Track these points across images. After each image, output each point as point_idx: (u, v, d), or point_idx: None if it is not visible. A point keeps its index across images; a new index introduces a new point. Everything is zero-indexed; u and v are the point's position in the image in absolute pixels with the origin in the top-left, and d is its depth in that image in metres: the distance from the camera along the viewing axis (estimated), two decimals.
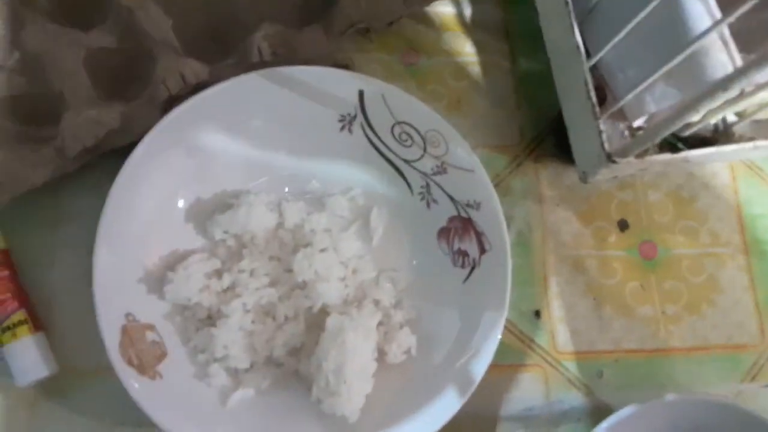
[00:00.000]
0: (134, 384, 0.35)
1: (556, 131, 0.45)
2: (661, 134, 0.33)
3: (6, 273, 0.38)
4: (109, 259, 0.36)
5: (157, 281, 0.38)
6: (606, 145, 0.35)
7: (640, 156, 0.35)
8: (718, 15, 0.30)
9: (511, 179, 0.45)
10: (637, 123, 0.38)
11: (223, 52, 0.40)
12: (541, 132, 0.47)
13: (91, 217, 0.39)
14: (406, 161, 0.42)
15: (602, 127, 0.36)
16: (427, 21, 0.48)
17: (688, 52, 0.29)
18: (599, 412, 0.42)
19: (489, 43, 0.48)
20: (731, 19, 0.27)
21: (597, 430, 0.37)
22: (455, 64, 0.47)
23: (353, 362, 0.36)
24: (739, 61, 0.30)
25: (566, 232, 0.45)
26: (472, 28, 0.48)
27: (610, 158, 0.35)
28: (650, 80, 0.33)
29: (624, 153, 0.35)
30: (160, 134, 0.38)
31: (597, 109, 0.36)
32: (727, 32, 0.30)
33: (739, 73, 0.26)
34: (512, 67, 0.48)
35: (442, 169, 0.41)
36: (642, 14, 0.33)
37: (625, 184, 0.46)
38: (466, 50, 0.48)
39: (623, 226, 0.46)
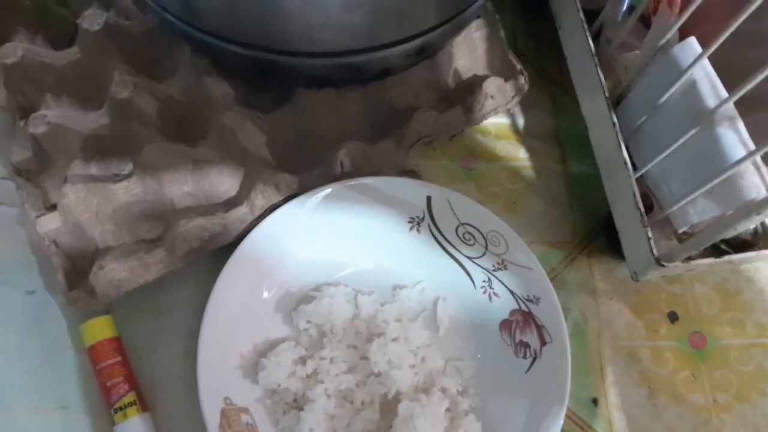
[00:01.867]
0: None
1: (607, 229, 0.49)
2: (703, 245, 0.37)
3: (119, 358, 0.43)
4: (211, 348, 0.41)
5: (251, 367, 0.43)
6: (654, 251, 0.39)
7: (686, 261, 0.39)
8: (750, 142, 0.35)
9: (566, 273, 0.49)
10: (682, 230, 0.42)
11: (309, 165, 0.46)
12: (593, 229, 0.51)
13: (189, 306, 0.45)
14: (469, 258, 0.47)
15: (650, 234, 0.40)
16: (485, 131, 0.53)
17: (723, 177, 0.34)
18: None
19: (541, 148, 0.53)
20: (761, 152, 0.31)
21: None
22: (510, 168, 0.52)
23: None
24: None
25: (619, 323, 0.48)
26: (525, 135, 0.54)
27: (658, 262, 0.39)
28: (691, 197, 0.38)
29: (671, 258, 0.39)
30: (257, 237, 0.44)
31: (645, 218, 0.40)
32: (759, 159, 0.34)
33: None
34: (563, 170, 0.53)
35: (502, 266, 0.46)
36: (681, 140, 0.37)
37: (673, 279, 0.50)
38: (520, 155, 0.53)
39: (673, 317, 0.49)
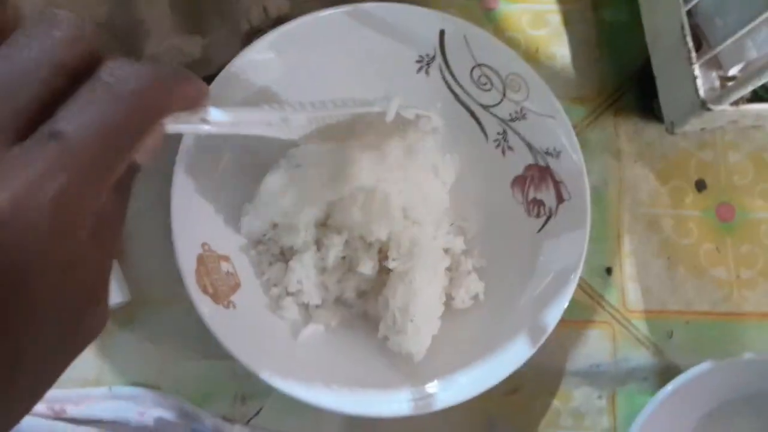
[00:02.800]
0: (208, 311, 0.35)
1: (638, 85, 0.44)
2: (762, 78, 0.32)
3: None
4: (187, 188, 0.36)
5: (234, 213, 0.38)
6: (699, 94, 0.34)
7: (734, 104, 0.34)
8: None
9: (589, 132, 0.44)
10: (732, 72, 0.36)
11: None
12: (622, 85, 0.45)
13: (166, 148, 0.39)
14: (483, 106, 0.41)
15: (697, 72, 0.34)
16: None
17: None
18: (667, 372, 0.41)
19: None
20: None
21: (675, 382, 0.36)
22: (535, 12, 0.46)
23: (420, 301, 0.36)
24: None
25: (643, 189, 0.44)
26: None
27: (704, 106, 0.34)
28: (751, 25, 0.32)
29: (719, 100, 0.34)
30: (242, 65, 0.38)
31: (693, 54, 0.34)
32: None
33: None
34: (595, 16, 0.46)
35: (521, 115, 0.40)
36: None
37: (704, 144, 0.45)
38: None
39: (701, 186, 0.44)
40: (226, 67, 0.37)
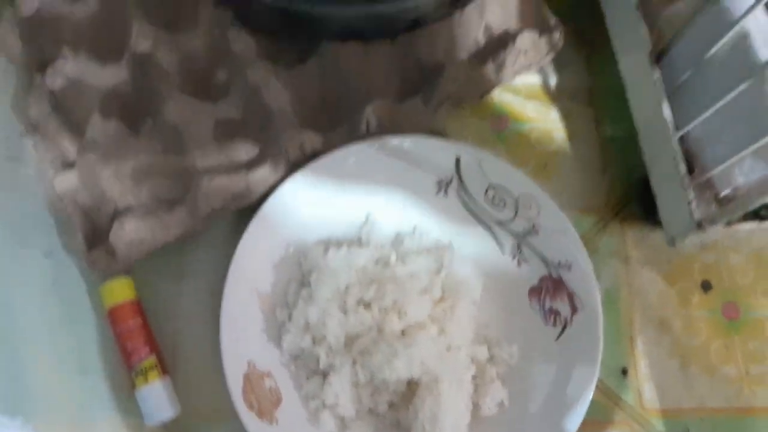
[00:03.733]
0: (255, 428, 0.38)
1: (641, 194, 0.47)
2: (750, 206, 0.35)
3: (139, 321, 0.42)
4: (234, 311, 0.40)
5: (275, 330, 0.42)
6: (695, 214, 0.38)
7: (727, 225, 0.37)
8: None
9: (598, 240, 0.48)
10: (724, 193, 0.40)
11: (334, 123, 0.44)
12: (626, 195, 0.49)
13: (211, 269, 0.44)
14: (498, 222, 0.45)
15: (691, 196, 0.38)
16: (515, 91, 0.51)
17: None
18: None
19: (574, 110, 0.51)
20: None
21: None
22: (542, 130, 0.50)
23: (447, 411, 0.39)
24: None
25: (651, 292, 0.47)
26: (557, 96, 0.51)
27: (699, 226, 0.37)
28: (739, 156, 0.36)
29: (712, 221, 0.37)
30: (280, 197, 0.42)
31: (686, 179, 0.38)
32: None
33: None
34: (597, 132, 0.51)
35: (533, 231, 0.44)
36: (731, 95, 0.35)
37: (707, 247, 0.48)
38: (552, 117, 0.51)
39: (706, 287, 0.47)
40: (268, 200, 0.42)
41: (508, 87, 0.51)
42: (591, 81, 0.52)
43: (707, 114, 0.37)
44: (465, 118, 0.50)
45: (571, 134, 0.51)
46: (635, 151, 0.46)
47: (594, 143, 0.50)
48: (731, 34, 0.34)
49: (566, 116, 0.51)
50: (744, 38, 0.34)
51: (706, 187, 0.40)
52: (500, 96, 0.51)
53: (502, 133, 0.50)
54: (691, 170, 0.40)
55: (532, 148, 0.50)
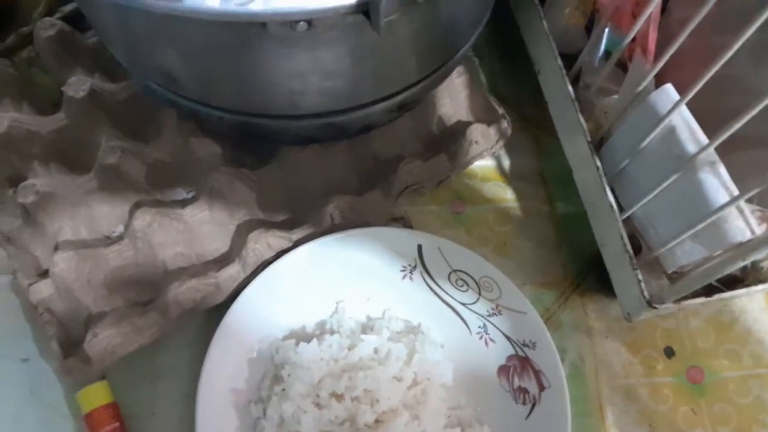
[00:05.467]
0: None
1: (597, 267, 0.49)
2: (692, 288, 0.38)
3: (116, 424, 0.43)
4: (209, 412, 0.41)
5: (251, 426, 0.42)
6: (645, 294, 0.40)
7: (677, 302, 0.39)
8: (732, 186, 0.35)
9: (560, 314, 0.49)
10: (672, 270, 0.42)
11: (300, 220, 0.46)
12: (583, 268, 0.51)
13: (185, 369, 0.45)
14: (463, 304, 0.47)
15: (640, 276, 0.40)
16: (471, 174, 0.54)
17: (707, 221, 0.34)
18: None
19: (528, 190, 0.54)
20: (745, 197, 0.32)
21: None
22: (499, 211, 0.53)
23: None
24: (755, 227, 0.35)
25: (616, 361, 0.48)
26: (511, 177, 0.54)
27: (650, 305, 0.39)
28: (677, 240, 0.38)
29: (662, 300, 0.39)
30: (250, 295, 0.44)
31: (634, 261, 0.40)
32: (742, 203, 0.35)
33: (754, 245, 0.30)
34: (550, 210, 0.53)
35: (497, 311, 0.46)
36: (663, 185, 0.38)
37: (667, 315, 0.50)
38: (508, 197, 0.53)
39: (669, 353, 0.49)
40: (238, 299, 0.43)
41: (465, 171, 0.54)
42: (541, 163, 0.55)
43: (644, 201, 0.40)
44: (425, 204, 0.52)
45: (527, 213, 0.53)
46: (588, 227, 0.48)
47: (548, 221, 0.53)
48: (659, 129, 0.37)
49: (521, 196, 0.54)
50: (671, 132, 0.37)
51: (655, 265, 0.42)
52: (457, 180, 0.54)
53: (460, 216, 0.52)
54: (638, 249, 0.43)
55: (491, 228, 0.52)
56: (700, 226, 0.35)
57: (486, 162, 0.54)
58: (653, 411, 0.47)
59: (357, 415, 0.42)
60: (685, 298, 0.39)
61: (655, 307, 0.39)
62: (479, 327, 0.47)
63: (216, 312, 0.44)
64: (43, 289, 0.44)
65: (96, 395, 0.43)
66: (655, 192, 0.38)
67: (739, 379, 0.49)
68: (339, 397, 0.42)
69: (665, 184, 0.37)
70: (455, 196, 0.53)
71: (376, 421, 0.42)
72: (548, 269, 0.51)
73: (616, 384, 0.48)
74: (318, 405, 0.42)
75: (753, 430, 0.47)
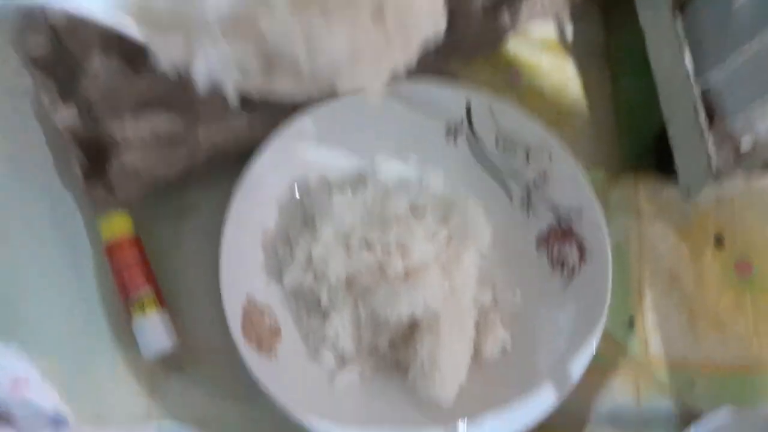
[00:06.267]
0: (254, 362, 0.37)
1: (656, 150, 0.46)
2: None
3: (138, 256, 0.42)
4: (235, 245, 0.40)
5: (276, 267, 0.41)
6: (713, 165, 0.37)
7: (746, 177, 0.36)
8: None
9: (610, 193, 0.47)
10: (744, 143, 0.39)
11: None
12: (640, 151, 0.48)
13: (213, 211, 0.43)
14: (508, 171, 0.44)
15: (710, 145, 0.37)
16: (531, 43, 0.50)
17: None
18: (690, 420, 0.42)
19: (590, 64, 0.50)
20: None
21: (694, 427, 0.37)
22: (556, 84, 0.49)
23: (446, 352, 0.38)
24: None
25: (663, 245, 0.46)
26: (573, 50, 0.50)
27: (717, 177, 0.37)
28: (762, 100, 0.35)
29: (730, 172, 0.36)
30: (281, 139, 0.41)
31: (706, 128, 0.37)
32: None
33: None
34: (613, 87, 0.49)
35: (544, 179, 0.43)
36: (755, 40, 0.34)
37: (722, 203, 0.47)
38: (567, 70, 0.50)
39: (719, 243, 0.46)
40: (273, 139, 0.41)
41: (524, 40, 0.50)
42: (607, 35, 0.51)
43: (731, 58, 0.36)
44: (478, 72, 0.49)
45: (587, 88, 0.49)
46: (651, 108, 0.45)
47: (609, 98, 0.49)
48: None
49: (582, 71, 0.50)
50: None
51: (726, 139, 0.39)
52: (515, 48, 0.50)
53: (515, 86, 0.49)
54: (711, 120, 0.39)
55: (546, 102, 0.49)
56: None
57: (547, 31, 0.50)
58: (695, 299, 0.45)
59: (387, 265, 0.40)
60: (755, 173, 0.36)
61: (721, 180, 0.36)
62: (522, 196, 0.44)
63: (250, 156, 0.42)
64: (68, 114, 0.42)
65: (118, 225, 0.42)
66: (744, 47, 0.34)
67: None
68: (370, 245, 0.41)
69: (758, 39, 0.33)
70: (511, 64, 0.49)
71: (406, 273, 0.41)
72: (602, 149, 0.48)
73: (660, 268, 0.46)
74: (348, 251, 0.40)
75: None
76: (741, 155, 0.38)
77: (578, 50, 0.50)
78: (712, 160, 0.36)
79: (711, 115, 0.39)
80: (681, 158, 0.41)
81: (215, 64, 0.32)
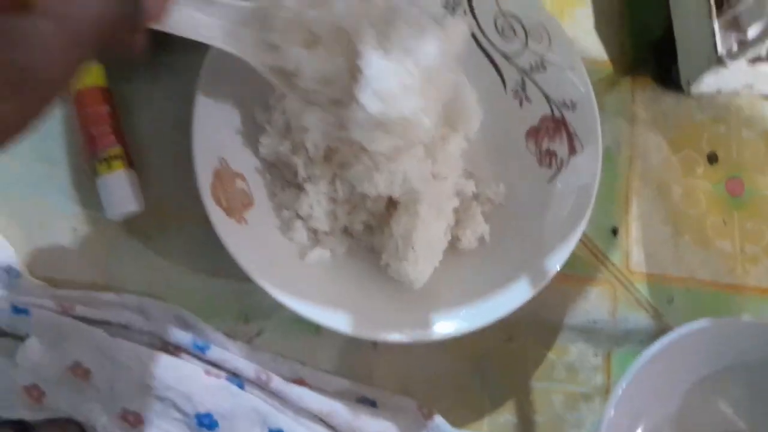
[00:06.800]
0: (220, 222, 0.36)
1: (658, 53, 0.44)
2: None
3: (108, 109, 0.39)
4: (210, 104, 0.37)
5: (253, 135, 0.39)
6: (719, 47, 0.35)
7: (752, 63, 0.35)
8: None
9: (606, 95, 0.45)
10: (751, 33, 0.37)
11: None
12: (642, 53, 0.46)
13: (191, 73, 0.40)
14: (504, 55, 0.42)
15: (716, 26, 0.35)
16: None
17: None
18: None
19: None
20: None
21: (668, 336, 0.36)
22: None
23: (422, 231, 0.37)
24: None
25: (655, 155, 0.44)
26: None
27: (720, 61, 0.35)
28: None
29: (736, 56, 0.34)
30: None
31: (714, 9, 0.35)
32: None
33: None
34: None
35: (541, 66, 0.41)
36: None
37: (719, 118, 0.45)
38: None
39: (713, 159, 0.45)
40: None
41: None
42: None
43: None
44: None
45: None
46: (656, 8, 0.43)
47: None
48: None
49: None
50: None
51: (732, 27, 0.37)
52: None
53: None
54: (719, 7, 0.37)
55: None
56: None
57: None
58: (682, 213, 0.44)
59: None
60: (762, 60, 0.34)
61: (725, 64, 0.34)
62: (516, 83, 0.42)
63: None
64: None
65: (89, 74, 0.39)
66: None
67: None
68: None
69: None
70: None
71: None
72: (604, 47, 0.46)
73: (649, 177, 0.44)
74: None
75: None
76: (746, 43, 0.36)
77: None
78: (716, 44, 0.35)
79: (720, 3, 0.37)
80: (684, 47, 0.39)
81: None
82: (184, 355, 0.37)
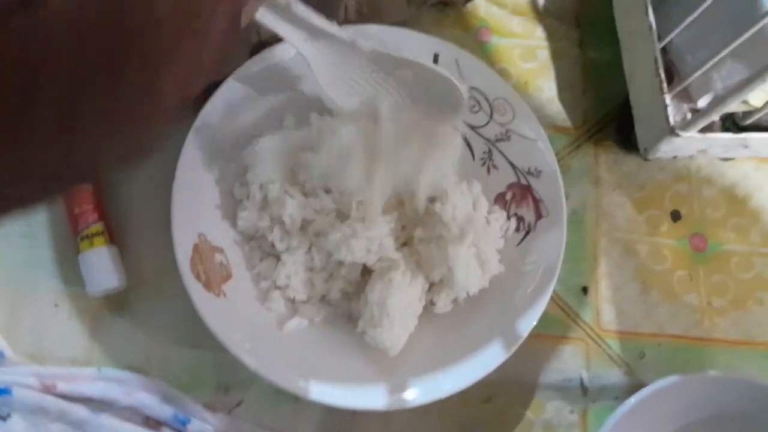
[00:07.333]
0: (199, 297, 0.37)
1: (618, 119, 0.47)
2: (725, 105, 0.35)
3: (90, 188, 0.41)
4: (190, 181, 0.39)
5: (232, 209, 0.40)
6: (671, 119, 0.37)
7: (703, 132, 0.37)
8: None
9: (570, 159, 0.47)
10: (701, 104, 0.39)
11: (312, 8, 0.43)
12: (603, 118, 0.48)
13: (173, 150, 0.42)
14: (471, 127, 0.44)
15: (668, 101, 0.37)
16: (502, 4, 0.50)
17: (758, 27, 0.31)
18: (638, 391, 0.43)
19: (560, 29, 0.50)
20: None
21: (640, 393, 0.37)
22: (525, 47, 0.49)
23: (397, 299, 0.38)
24: None
25: (620, 215, 0.46)
26: (544, 14, 0.50)
27: (673, 131, 0.37)
28: (719, 56, 0.35)
29: (687, 126, 0.37)
30: (245, 75, 0.41)
31: (665, 84, 0.37)
32: None
33: None
34: (581, 54, 0.50)
35: (505, 137, 0.43)
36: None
37: (680, 177, 0.47)
38: (537, 35, 0.50)
39: (676, 216, 0.47)
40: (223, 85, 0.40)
41: (496, 2, 0.50)
42: (578, 2, 0.51)
43: (692, 17, 0.37)
44: (449, 27, 0.49)
45: (555, 54, 0.49)
46: (615, 76, 0.46)
47: (576, 65, 0.49)
48: None
49: (551, 35, 0.50)
50: None
51: (683, 100, 0.40)
52: (487, 7, 0.50)
53: (485, 46, 0.49)
54: (670, 82, 0.40)
55: (515, 64, 0.49)
56: (746, 35, 0.32)
57: None
58: (649, 270, 0.45)
59: (345, 208, 0.39)
60: (711, 130, 0.36)
61: (678, 134, 0.36)
62: (484, 152, 0.44)
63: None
64: None
65: None
66: (705, 5, 0.35)
67: (743, 253, 0.46)
68: (327, 190, 0.40)
69: None
70: (482, 24, 0.49)
71: (363, 218, 0.40)
72: (567, 114, 0.48)
73: (616, 237, 0.46)
74: (305, 194, 0.40)
75: (748, 305, 0.45)
76: (697, 113, 0.38)
77: (549, 15, 0.50)
78: (669, 116, 0.37)
79: (670, 76, 0.39)
80: (640, 117, 0.41)
81: None
82: (165, 429, 0.37)
